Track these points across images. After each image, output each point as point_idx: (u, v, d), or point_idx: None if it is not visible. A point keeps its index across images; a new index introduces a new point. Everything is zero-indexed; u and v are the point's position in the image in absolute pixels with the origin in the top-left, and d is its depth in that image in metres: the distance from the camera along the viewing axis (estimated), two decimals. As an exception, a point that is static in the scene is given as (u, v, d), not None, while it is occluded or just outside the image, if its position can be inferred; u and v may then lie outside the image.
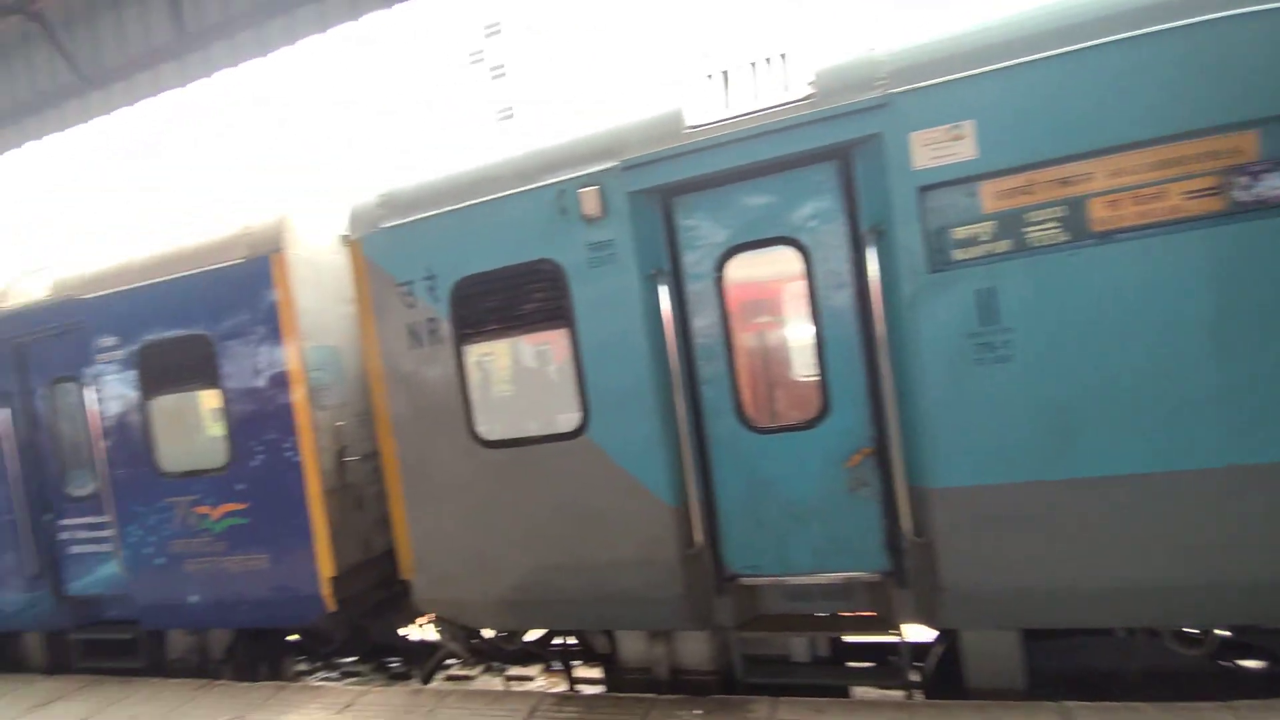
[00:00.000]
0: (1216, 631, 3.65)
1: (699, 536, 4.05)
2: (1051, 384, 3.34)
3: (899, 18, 3.73)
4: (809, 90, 3.72)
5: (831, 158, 3.75)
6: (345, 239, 5.07)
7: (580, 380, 4.21)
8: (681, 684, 4.52)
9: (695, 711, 4.13)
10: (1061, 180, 3.31)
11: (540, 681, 6.08)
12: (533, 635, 5.32)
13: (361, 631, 6.15)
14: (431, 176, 4.66)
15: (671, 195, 4.09)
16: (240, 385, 5.26)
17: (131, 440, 5.69)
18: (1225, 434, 3.15)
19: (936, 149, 3.41)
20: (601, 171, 4.08)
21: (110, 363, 5.71)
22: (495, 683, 6.23)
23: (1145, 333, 3.21)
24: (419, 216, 4.58)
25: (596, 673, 5.27)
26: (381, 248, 4.70)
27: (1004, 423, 3.41)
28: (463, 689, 5.40)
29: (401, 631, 6.35)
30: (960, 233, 3.45)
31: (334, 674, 6.91)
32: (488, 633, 5.19)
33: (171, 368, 5.51)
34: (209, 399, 5.48)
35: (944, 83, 3.40)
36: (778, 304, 4.21)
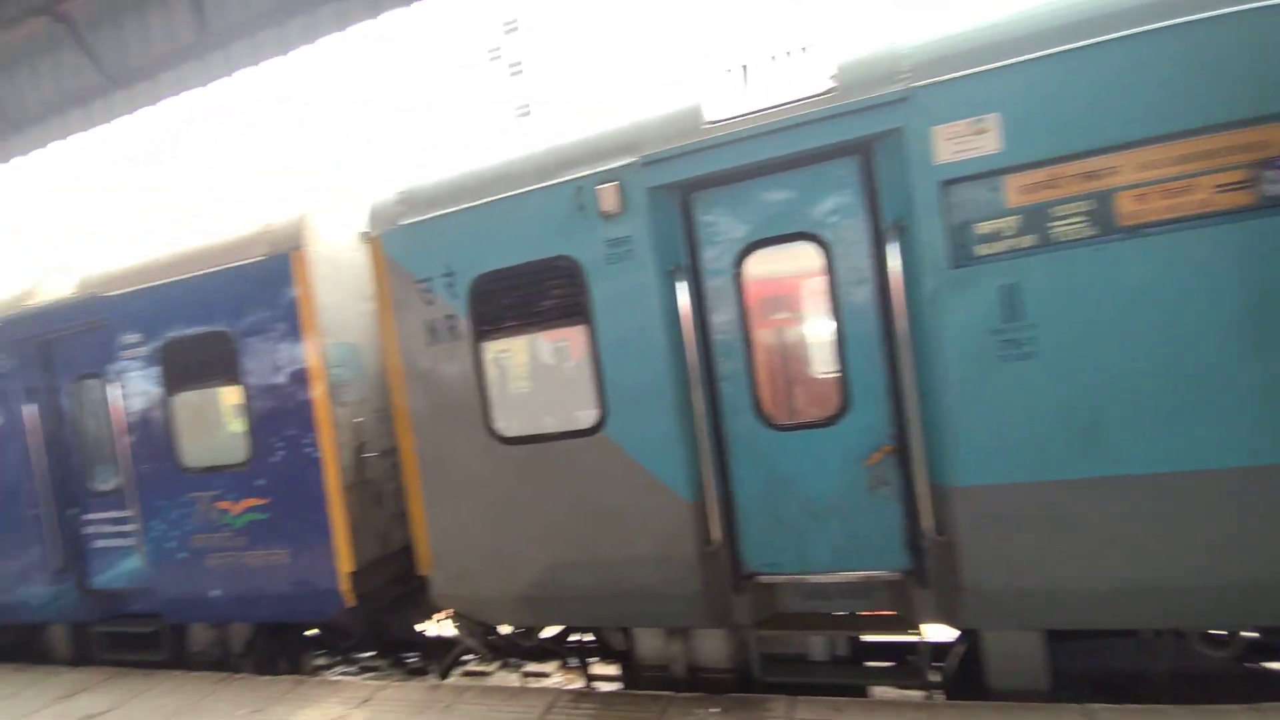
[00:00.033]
0: (1243, 633, 3.59)
1: (717, 534, 4.03)
2: (1077, 381, 3.29)
3: (922, 11, 3.67)
4: (830, 84, 3.69)
5: (853, 152, 3.72)
6: (365, 236, 5.10)
7: (598, 377, 4.21)
8: (698, 682, 4.50)
9: (712, 710, 4.11)
10: (1088, 174, 3.26)
11: (556, 678, 6.09)
12: (549, 632, 5.33)
13: (379, 626, 6.19)
14: (450, 173, 4.68)
15: (690, 191, 4.08)
16: (261, 382, 5.32)
17: (154, 436, 5.76)
18: (1256, 432, 3.09)
19: (959, 143, 3.37)
20: (620, 168, 4.08)
21: (133, 359, 5.79)
22: (512, 679, 6.24)
23: (1174, 328, 3.16)
24: (438, 213, 4.60)
25: (613, 670, 5.28)
26: (401, 245, 4.73)
27: (1029, 420, 3.37)
28: (480, 685, 5.42)
29: (419, 627, 6.38)
30: (983, 228, 3.41)
31: (352, 668, 6.96)
32: (505, 629, 5.21)
33: (193, 364, 5.57)
34: (230, 395, 5.55)
35: (968, 76, 3.36)
36: (797, 300, 4.18)
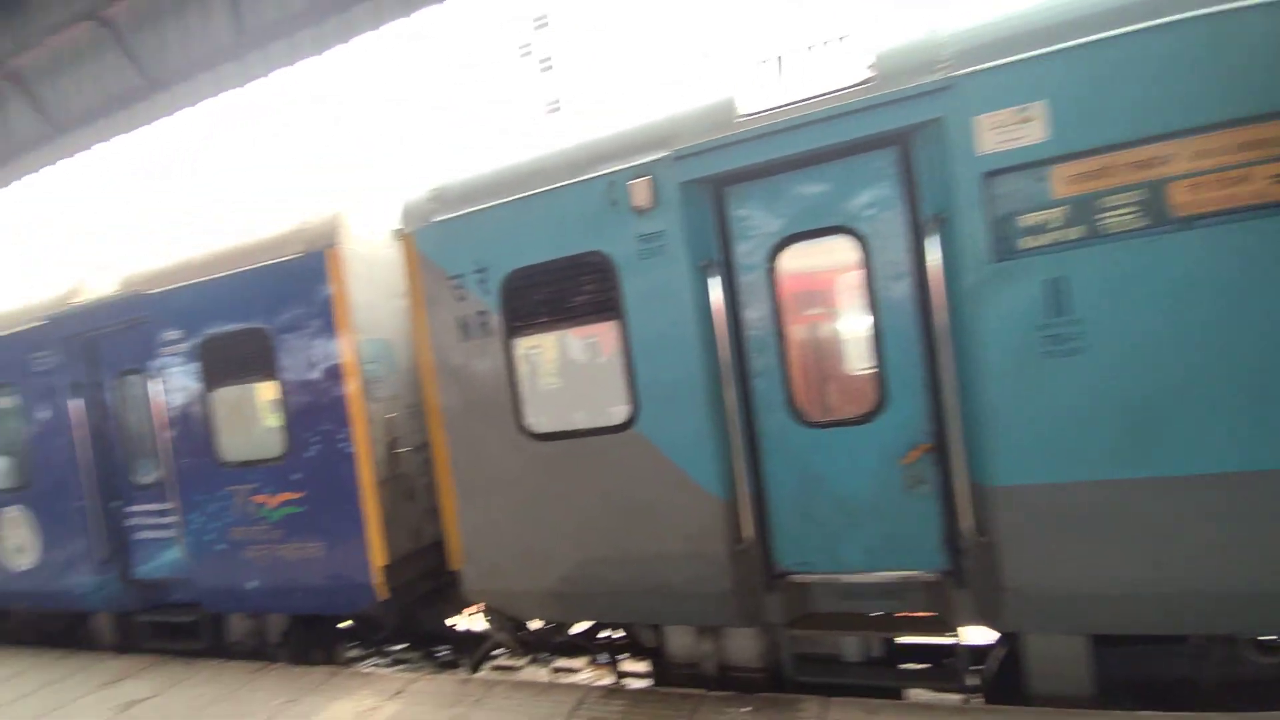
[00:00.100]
0: None
1: (749, 531, 3.99)
2: (1128, 378, 3.18)
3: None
4: (868, 74, 3.61)
5: (891, 144, 3.64)
6: (398, 233, 5.14)
7: (629, 373, 4.19)
8: (729, 680, 4.47)
9: (744, 709, 4.08)
10: (1139, 163, 3.14)
11: (586, 674, 6.09)
12: (579, 628, 5.33)
13: (411, 620, 6.26)
14: (482, 170, 4.70)
15: (724, 185, 4.03)
16: (296, 378, 5.40)
17: (193, 430, 5.89)
18: None
19: (1003, 132, 3.28)
20: (653, 162, 4.05)
21: (174, 355, 5.92)
22: (542, 674, 6.26)
23: (1227, 323, 3.03)
24: (470, 210, 4.61)
25: (643, 667, 5.26)
26: (433, 241, 4.76)
27: (1076, 418, 3.26)
28: (510, 679, 5.44)
29: (450, 621, 6.43)
30: (1028, 220, 3.31)
31: (384, 661, 7.05)
32: (535, 624, 5.23)
33: (231, 360, 5.68)
34: (267, 391, 5.64)
35: (1012, 63, 3.26)
36: (832, 295, 4.11)
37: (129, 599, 6.63)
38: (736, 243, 4.06)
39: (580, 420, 4.47)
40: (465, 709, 4.58)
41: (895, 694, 4.33)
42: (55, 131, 8.23)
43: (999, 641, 4.00)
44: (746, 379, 4.08)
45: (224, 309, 5.67)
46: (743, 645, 4.45)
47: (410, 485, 5.49)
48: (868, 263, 3.77)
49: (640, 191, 4.04)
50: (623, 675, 5.39)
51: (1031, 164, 3.27)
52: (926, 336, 3.66)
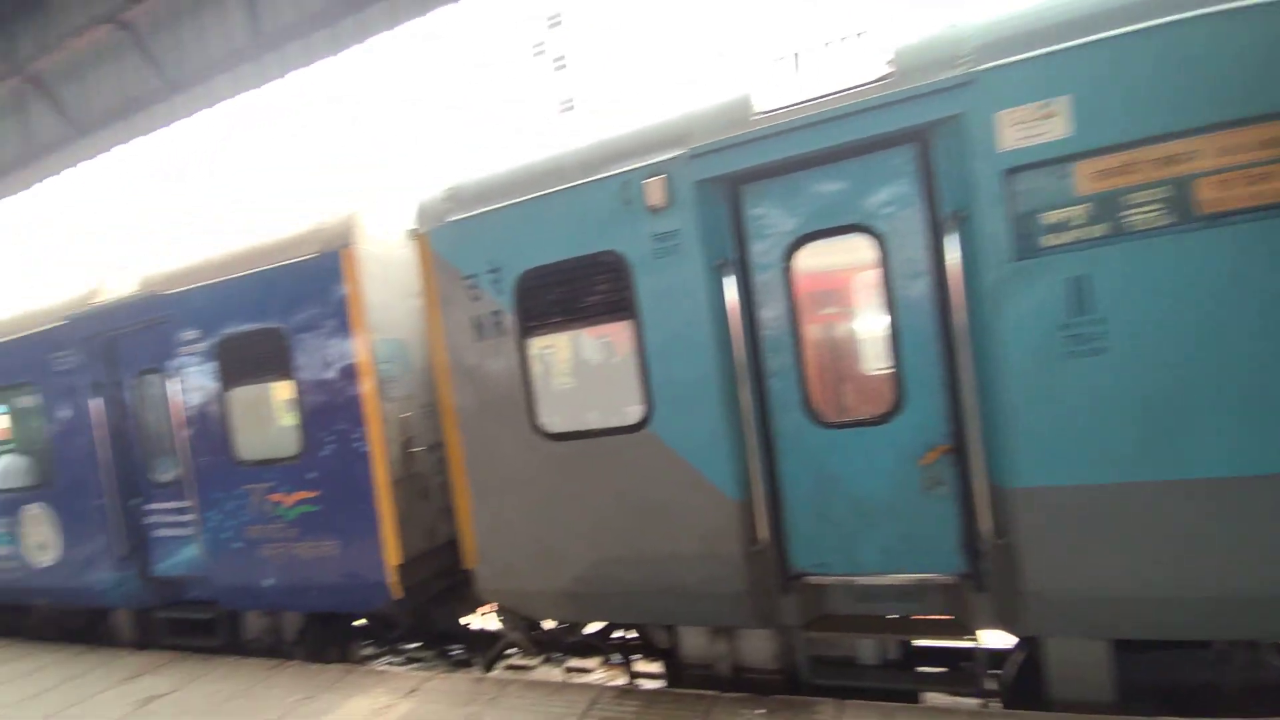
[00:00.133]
0: None
1: (764, 532, 3.96)
2: (1152, 378, 3.12)
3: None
4: (886, 70, 3.57)
5: (910, 140, 3.60)
6: (412, 233, 5.16)
7: (643, 373, 4.17)
8: (744, 682, 4.44)
9: (758, 711, 4.05)
10: (1165, 159, 3.08)
11: (599, 674, 6.09)
12: (593, 628, 5.33)
13: (425, 618, 6.28)
14: (496, 170, 4.70)
15: (739, 183, 4.00)
16: (312, 377, 5.43)
17: (211, 429, 5.94)
18: None
19: (1025, 128, 3.22)
20: (667, 161, 4.03)
21: (192, 355, 5.97)
22: (555, 674, 6.27)
23: (1256, 321, 2.97)
24: (484, 210, 4.62)
25: (656, 668, 5.25)
26: (447, 241, 4.76)
27: (1098, 419, 3.21)
28: (524, 679, 5.45)
29: (464, 620, 6.45)
30: (1050, 217, 3.26)
31: (398, 659, 7.08)
32: (549, 624, 5.22)
33: (248, 360, 5.72)
34: (282, 390, 5.68)
35: (1035, 57, 3.20)
36: (849, 294, 4.08)
37: (148, 596, 6.70)
38: (752, 242, 4.03)
39: (594, 420, 4.46)
40: (479, 708, 4.58)
41: (912, 697, 4.28)
42: (76, 133, 8.35)
43: (1018, 645, 3.95)
44: (762, 379, 4.05)
45: (241, 309, 5.71)
46: (757, 647, 4.42)
47: (424, 484, 5.50)
48: (885, 261, 3.73)
49: (655, 190, 4.02)
50: (636, 676, 5.38)
51: (1054, 160, 3.21)
52: (945, 336, 3.62)
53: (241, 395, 5.84)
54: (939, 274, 3.58)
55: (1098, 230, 3.18)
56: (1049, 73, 3.19)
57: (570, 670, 6.21)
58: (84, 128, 8.29)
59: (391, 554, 5.19)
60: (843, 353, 4.15)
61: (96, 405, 6.57)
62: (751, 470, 3.96)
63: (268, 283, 5.57)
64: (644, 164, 4.09)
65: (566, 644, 5.36)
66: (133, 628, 7.19)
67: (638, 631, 5.13)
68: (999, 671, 4.09)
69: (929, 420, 3.73)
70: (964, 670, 4.51)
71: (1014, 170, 3.28)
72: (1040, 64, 3.20)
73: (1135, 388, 3.15)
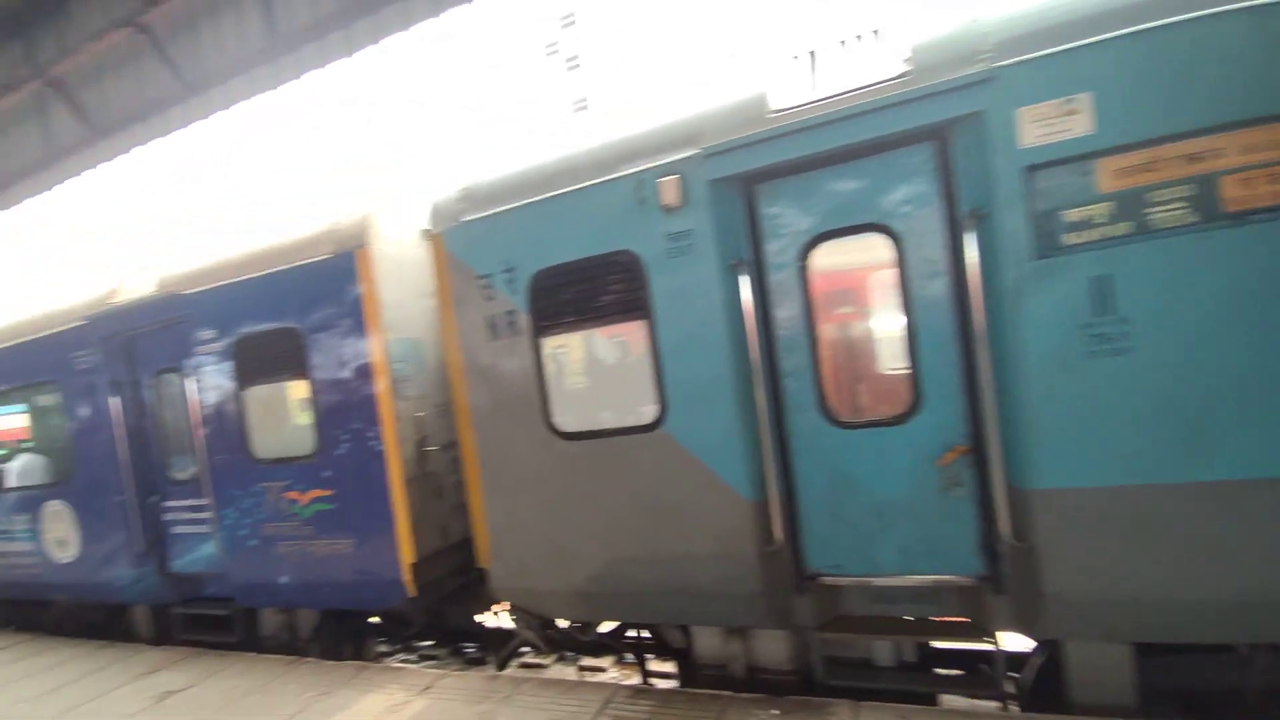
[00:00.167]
0: None
1: (779, 533, 3.94)
2: (1177, 379, 3.07)
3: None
4: (904, 67, 3.54)
5: (928, 138, 3.56)
6: (426, 233, 5.18)
7: (658, 372, 4.16)
8: (758, 682, 4.43)
9: (773, 711, 4.03)
10: (1189, 156, 3.03)
11: (613, 673, 6.09)
12: (606, 627, 5.33)
13: (439, 616, 6.31)
14: (510, 170, 4.70)
15: (754, 182, 3.98)
16: (327, 376, 5.46)
17: (228, 428, 6.00)
18: None
19: (1047, 125, 3.18)
20: (681, 160, 4.01)
21: (208, 354, 6.03)
22: (568, 672, 6.28)
23: None
24: (498, 210, 4.62)
25: (669, 667, 5.24)
26: (461, 241, 4.78)
27: (1121, 420, 3.16)
28: (538, 677, 5.46)
29: (478, 618, 6.47)
30: (1072, 215, 3.21)
31: (412, 656, 7.13)
32: (562, 622, 5.23)
33: (264, 359, 5.77)
34: (298, 389, 5.72)
35: (1058, 53, 3.16)
36: (865, 294, 4.05)
37: (166, 592, 6.78)
38: (767, 241, 4.01)
39: (608, 420, 4.46)
40: (493, 705, 4.60)
41: (929, 700, 4.25)
42: (95, 136, 8.45)
43: (1037, 649, 3.90)
44: (777, 379, 4.03)
45: (257, 309, 5.76)
46: (772, 647, 4.41)
47: (439, 483, 5.52)
48: (902, 260, 3.70)
49: (669, 190, 4.01)
50: (649, 675, 5.37)
51: (1076, 157, 3.17)
52: (963, 336, 3.58)
53: (258, 394, 5.89)
54: (956, 273, 3.54)
55: (1121, 229, 3.13)
56: (1071, 69, 3.14)
57: (583, 669, 6.22)
58: (103, 130, 8.39)
59: (406, 552, 5.21)
60: (859, 353, 4.12)
61: (115, 404, 6.65)
62: (766, 470, 3.94)
63: (284, 283, 5.61)
64: (658, 163, 4.08)
65: (580, 643, 5.36)
66: (151, 623, 7.28)
67: (651, 631, 5.12)
68: (1017, 674, 4.05)
69: (947, 421, 3.69)
70: (982, 673, 4.46)
71: (1035, 167, 3.24)
72: (1062, 60, 3.16)
73: (1159, 388, 3.10)
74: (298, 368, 5.58)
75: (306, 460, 5.60)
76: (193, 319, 6.09)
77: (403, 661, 7.21)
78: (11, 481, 7.69)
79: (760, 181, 3.97)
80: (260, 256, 5.80)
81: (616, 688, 4.71)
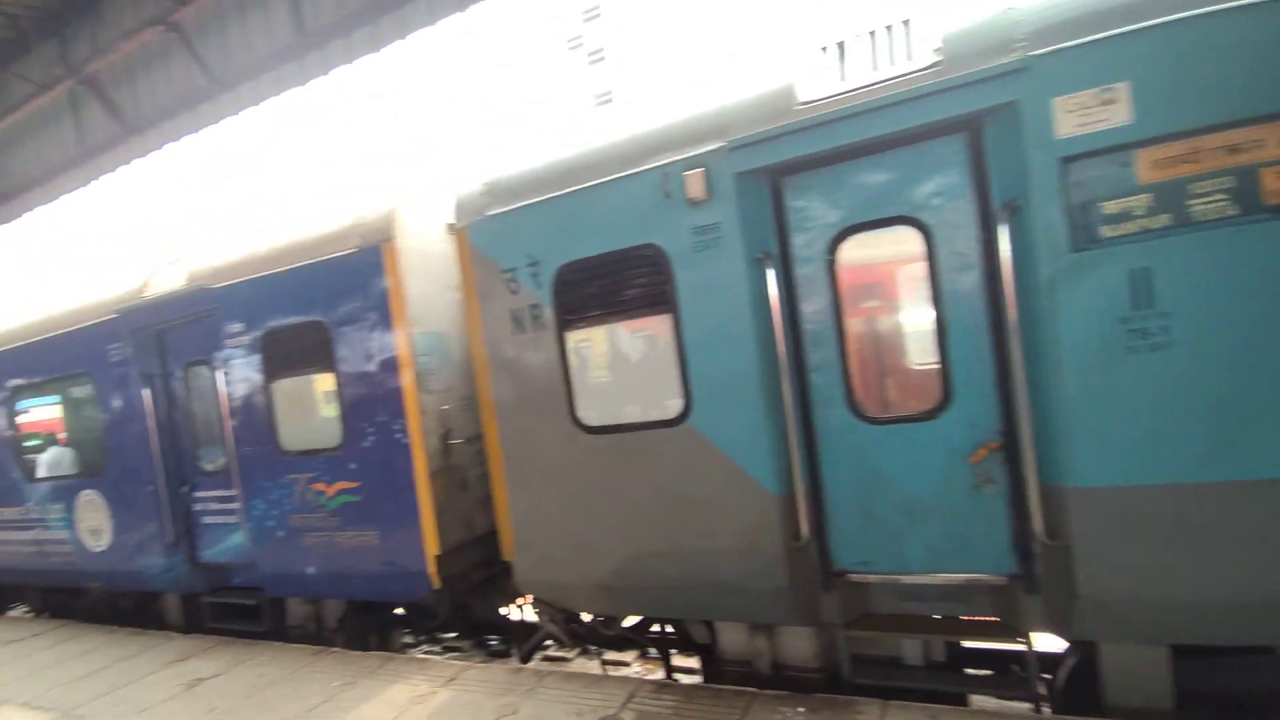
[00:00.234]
0: None
1: (806, 529, 3.91)
2: (1217, 375, 2.99)
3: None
4: (935, 58, 3.48)
5: (960, 130, 3.50)
6: (452, 227, 5.20)
7: (683, 366, 4.15)
8: (783, 679, 4.40)
9: (798, 709, 4.01)
10: (1230, 147, 2.95)
11: (636, 668, 6.10)
12: (630, 621, 5.33)
13: (464, 609, 6.36)
14: (534, 164, 4.70)
15: (781, 175, 3.94)
16: (353, 369, 5.52)
17: (256, 420, 6.08)
18: None
19: (1083, 115, 3.11)
20: (707, 153, 3.98)
21: (237, 347, 6.12)
22: (592, 666, 6.30)
23: None
24: (523, 204, 4.63)
25: (693, 663, 5.22)
26: (486, 235, 4.79)
27: (1160, 417, 3.08)
28: (561, 670, 5.47)
29: (502, 610, 6.51)
30: (1110, 207, 3.14)
31: (436, 648, 7.19)
32: (586, 616, 5.24)
33: (292, 352, 5.84)
34: (325, 382, 5.78)
35: (1095, 41, 3.08)
36: (894, 288, 3.99)
37: (195, 581, 6.90)
38: (794, 234, 3.97)
39: (633, 414, 4.44)
40: (517, 698, 4.62)
41: (959, 700, 4.19)
42: (127, 133, 8.60)
43: (1070, 650, 3.83)
44: (804, 373, 3.99)
45: (284, 303, 5.83)
46: (798, 644, 4.38)
47: (463, 476, 5.56)
48: (932, 254, 3.64)
49: (694, 183, 3.98)
50: (673, 670, 5.37)
51: (1114, 148, 3.09)
52: (995, 330, 3.52)
53: (285, 387, 5.96)
54: (989, 266, 3.48)
55: (1160, 221, 3.05)
56: (1108, 58, 3.06)
57: (607, 663, 6.23)
58: (135, 127, 8.55)
59: (431, 544, 5.26)
60: (888, 347, 4.07)
61: (147, 395, 6.77)
62: (793, 465, 3.90)
63: (311, 277, 5.67)
64: (683, 156, 4.05)
65: (604, 637, 5.37)
66: (181, 611, 7.42)
67: (675, 626, 5.11)
68: (1049, 676, 3.98)
69: (978, 417, 3.63)
70: (1013, 674, 4.40)
71: (1071, 158, 3.17)
72: (1099, 48, 3.08)
73: (1200, 384, 3.02)
74: (324, 361, 5.64)
75: (333, 452, 5.66)
76: (221, 312, 6.18)
77: (427, 653, 7.27)
78: (47, 471, 7.88)
79: (787, 174, 3.93)
80: (287, 251, 5.86)
81: (640, 682, 4.71)
